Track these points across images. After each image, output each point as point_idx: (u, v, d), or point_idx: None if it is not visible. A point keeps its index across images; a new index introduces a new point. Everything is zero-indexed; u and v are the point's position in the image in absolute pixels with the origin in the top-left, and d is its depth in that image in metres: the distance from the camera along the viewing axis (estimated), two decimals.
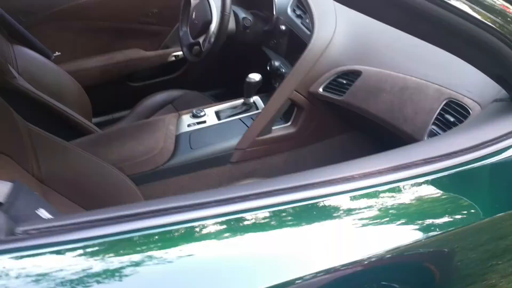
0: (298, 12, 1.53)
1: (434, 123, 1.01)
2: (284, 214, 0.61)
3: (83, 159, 1.14)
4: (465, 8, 0.69)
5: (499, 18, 0.72)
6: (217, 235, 0.57)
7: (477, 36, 0.71)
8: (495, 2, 0.76)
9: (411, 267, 0.67)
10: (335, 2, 1.43)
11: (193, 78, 2.16)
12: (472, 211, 0.70)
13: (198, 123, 1.50)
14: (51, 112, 1.45)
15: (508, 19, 0.74)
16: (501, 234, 0.74)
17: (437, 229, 0.65)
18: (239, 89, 1.67)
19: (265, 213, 0.60)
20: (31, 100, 1.39)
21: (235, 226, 0.59)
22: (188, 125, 1.48)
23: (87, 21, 1.93)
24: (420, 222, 0.66)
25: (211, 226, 0.57)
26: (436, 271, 0.67)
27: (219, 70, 2.12)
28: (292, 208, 0.61)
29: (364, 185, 0.66)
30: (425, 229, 0.65)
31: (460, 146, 0.71)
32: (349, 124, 1.51)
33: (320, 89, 1.34)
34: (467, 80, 1.00)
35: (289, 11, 1.57)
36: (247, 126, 1.46)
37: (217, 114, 1.56)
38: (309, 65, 1.34)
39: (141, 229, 0.53)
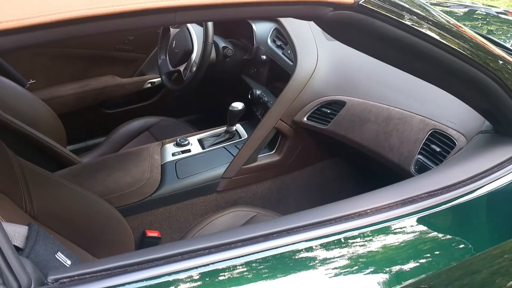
0: (279, 42, 1.58)
1: (420, 153, 1.07)
2: (297, 254, 0.63)
3: (72, 192, 1.12)
4: (453, 45, 0.75)
5: (490, 57, 0.78)
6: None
7: (472, 75, 0.76)
8: (483, 42, 0.82)
9: None
10: (314, 35, 1.50)
11: (169, 104, 2.16)
12: (471, 243, 0.75)
13: (183, 151, 1.50)
14: (31, 142, 1.41)
15: (497, 59, 0.80)
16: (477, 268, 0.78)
17: (439, 264, 0.69)
18: (216, 116, 1.69)
19: (276, 254, 0.62)
20: (9, 130, 1.34)
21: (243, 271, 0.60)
22: (173, 154, 1.48)
23: (62, 48, 1.90)
24: (425, 257, 0.69)
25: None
26: None
27: (197, 97, 2.13)
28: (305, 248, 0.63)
29: (377, 220, 0.69)
30: (430, 265, 0.69)
31: (458, 178, 0.76)
32: (331, 151, 1.56)
33: (305, 118, 1.39)
34: (449, 112, 1.07)
35: (269, 41, 1.61)
36: (232, 154, 1.48)
37: (201, 142, 1.57)
38: (294, 95, 1.38)
39: (180, 271, 0.54)
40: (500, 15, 2.01)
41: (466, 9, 2.11)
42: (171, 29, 1.78)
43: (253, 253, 0.60)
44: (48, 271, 0.53)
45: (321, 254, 0.64)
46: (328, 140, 1.41)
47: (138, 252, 0.59)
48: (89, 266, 0.54)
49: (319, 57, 1.41)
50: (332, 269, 0.63)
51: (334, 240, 0.65)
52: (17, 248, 0.57)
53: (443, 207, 0.72)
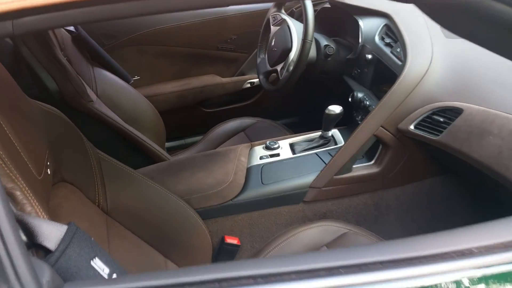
0: (388, 40, 1.39)
1: None
2: None
3: (150, 190, 1.09)
4: None
5: None
6: None
7: None
8: None
9: None
10: (431, 31, 1.29)
11: (267, 106, 2.09)
12: None
13: (271, 155, 1.40)
14: (125, 137, 1.44)
15: None
16: None
17: None
18: (315, 119, 1.56)
19: None
20: (105, 124, 1.38)
21: None
22: (261, 158, 1.39)
23: (167, 46, 1.94)
24: None
25: None
26: None
27: (295, 99, 2.02)
28: None
29: (486, 263, 0.51)
30: None
31: None
32: (442, 167, 1.33)
33: (412, 126, 1.19)
34: None
35: (376, 39, 1.44)
36: (324, 162, 1.34)
37: (292, 146, 1.45)
38: (399, 99, 1.19)
39: None
40: None
41: None
42: (271, 26, 1.70)
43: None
44: (67, 281, 0.46)
45: None
46: (439, 153, 1.19)
47: (186, 270, 0.50)
48: (115, 282, 0.46)
49: (434, 57, 1.20)
50: None
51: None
52: (46, 251, 0.52)
53: None
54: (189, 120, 2.05)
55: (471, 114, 1.06)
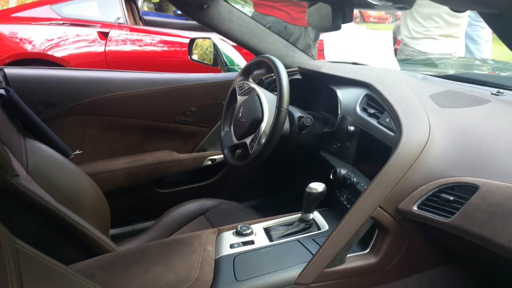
0: (371, 110, 1.26)
1: None
2: None
3: None
4: None
5: None
6: None
7: None
8: None
9: None
10: (421, 100, 1.17)
11: (230, 186, 1.86)
12: None
13: (244, 243, 1.15)
14: (59, 223, 1.13)
15: None
16: None
17: None
18: (286, 201, 1.35)
19: None
20: (32, 206, 1.08)
21: None
22: (231, 246, 1.13)
23: (116, 117, 1.71)
24: None
25: None
26: None
27: (262, 178, 1.82)
28: None
29: None
30: None
31: None
32: (448, 255, 1.13)
33: (415, 207, 1.00)
34: None
35: (358, 110, 1.30)
36: (309, 251, 1.10)
37: (267, 232, 1.22)
38: (399, 175, 1.02)
39: None
40: None
41: None
42: (238, 96, 1.54)
43: None
44: None
45: None
46: (447, 239, 1.01)
47: None
48: None
49: (432, 126, 1.06)
50: None
51: None
52: None
53: None
54: (139, 202, 1.77)
55: (490, 191, 0.90)
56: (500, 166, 0.93)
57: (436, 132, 1.05)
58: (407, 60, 2.54)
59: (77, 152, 1.62)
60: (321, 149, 1.46)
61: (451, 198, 0.96)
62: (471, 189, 0.93)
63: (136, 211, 1.79)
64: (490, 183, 0.91)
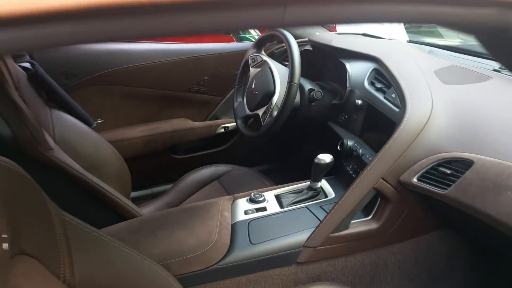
0: (379, 85, 1.32)
1: None
2: None
3: (124, 257, 0.90)
4: None
5: None
6: None
7: None
8: None
9: None
10: (426, 76, 1.23)
11: (242, 152, 1.95)
12: None
13: (257, 209, 1.26)
14: (88, 190, 1.25)
15: None
16: None
17: None
18: (293, 167, 1.44)
19: None
20: (66, 175, 1.18)
21: None
22: (246, 212, 1.24)
23: (133, 87, 1.79)
24: None
25: None
26: None
27: (273, 146, 1.91)
28: None
29: None
30: None
31: None
32: (443, 222, 1.23)
33: (415, 179, 1.09)
34: None
35: (366, 84, 1.36)
36: (316, 217, 1.21)
37: (278, 199, 1.32)
38: (401, 149, 1.10)
39: None
40: None
41: None
42: (251, 68, 1.60)
43: None
44: None
45: None
46: (443, 208, 1.10)
47: None
48: None
49: (435, 103, 1.13)
50: None
51: None
52: None
53: None
54: (157, 167, 1.88)
55: (484, 167, 0.98)
56: (495, 143, 1.01)
57: (438, 109, 1.12)
58: (415, 30, 2.54)
59: (99, 121, 1.71)
60: (330, 120, 1.53)
61: (448, 172, 1.04)
62: (467, 164, 1.01)
63: (155, 175, 1.90)
64: (484, 159, 0.99)
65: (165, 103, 1.86)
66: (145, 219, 1.23)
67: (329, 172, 1.31)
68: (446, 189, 1.03)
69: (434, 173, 1.08)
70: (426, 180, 1.08)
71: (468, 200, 0.98)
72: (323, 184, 1.38)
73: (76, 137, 1.45)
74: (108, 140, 1.58)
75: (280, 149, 1.94)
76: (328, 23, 0.41)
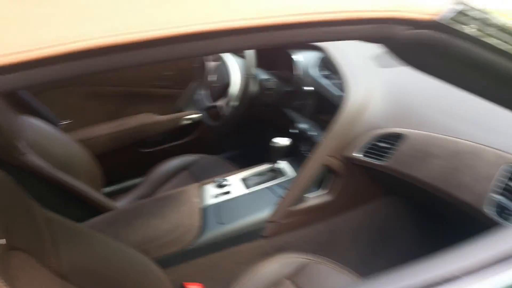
0: (325, 72, 1.46)
1: (497, 192, 0.91)
2: None
3: (105, 245, 1.01)
4: None
5: None
6: None
7: None
8: None
9: None
10: (364, 61, 1.38)
11: (208, 141, 2.07)
12: None
13: (224, 193, 1.38)
14: (62, 189, 1.34)
15: None
16: None
17: None
18: (258, 152, 1.57)
19: None
20: (41, 178, 1.27)
21: None
22: (213, 196, 1.37)
23: (97, 86, 1.86)
24: None
25: None
26: None
27: (236, 132, 2.03)
28: None
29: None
30: None
31: None
32: (388, 189, 1.40)
33: (358, 154, 1.24)
34: None
35: (314, 71, 1.50)
36: (279, 195, 1.35)
37: (243, 182, 1.45)
38: (344, 128, 1.25)
39: None
40: None
41: None
42: (209, 62, 1.71)
43: None
44: None
45: None
46: (385, 177, 1.26)
47: None
48: None
49: (371, 86, 1.28)
50: None
51: None
52: None
53: None
54: (127, 162, 1.96)
55: (414, 139, 1.14)
56: (422, 118, 1.17)
57: (374, 91, 1.27)
58: None
59: (67, 121, 1.77)
60: (285, 106, 1.66)
61: (385, 146, 1.20)
62: (400, 137, 1.17)
63: (126, 170, 1.98)
64: (414, 133, 1.15)
65: (129, 100, 1.94)
66: (120, 212, 1.34)
67: (288, 154, 1.45)
68: (384, 160, 1.19)
69: (374, 148, 1.23)
70: (368, 154, 1.24)
71: (403, 168, 1.15)
72: (283, 165, 1.52)
73: (46, 140, 1.53)
74: (77, 139, 1.66)
75: (244, 135, 2.06)
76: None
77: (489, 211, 0.92)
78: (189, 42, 0.45)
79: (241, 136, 2.07)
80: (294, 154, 1.57)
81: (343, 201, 1.36)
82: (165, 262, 1.17)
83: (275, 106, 1.67)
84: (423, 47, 0.58)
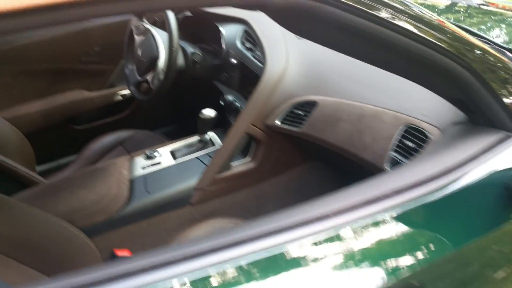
0: (248, 45, 1.52)
1: (394, 150, 1.01)
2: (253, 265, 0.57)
3: (29, 215, 1.03)
4: (428, 36, 0.70)
5: (467, 47, 0.73)
6: None
7: (439, 63, 0.71)
8: (459, 31, 0.77)
9: None
10: (284, 33, 1.44)
11: (143, 116, 2.08)
12: (444, 242, 0.69)
13: (153, 164, 1.42)
14: None
15: (475, 50, 0.75)
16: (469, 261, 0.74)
17: (411, 266, 0.64)
18: (192, 125, 1.62)
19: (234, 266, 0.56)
20: None
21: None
22: (143, 168, 1.41)
23: (25, 64, 1.82)
24: (393, 260, 0.64)
25: None
26: None
27: (170, 107, 2.06)
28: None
29: (339, 223, 0.63)
30: (397, 268, 0.63)
31: (428, 174, 0.70)
32: (309, 155, 1.49)
33: (277, 121, 1.32)
34: (422, 105, 1.02)
35: (238, 44, 1.55)
36: (205, 165, 1.41)
37: (172, 153, 1.49)
38: (264, 98, 1.32)
39: None
40: (481, 6, 1.99)
41: (449, 2, 2.10)
42: (136, 36, 1.71)
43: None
44: None
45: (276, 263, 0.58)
46: (304, 143, 1.35)
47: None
48: None
49: (289, 57, 1.35)
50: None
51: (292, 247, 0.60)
52: None
53: (413, 205, 0.66)
54: (60, 139, 1.95)
55: (325, 105, 1.23)
56: (334, 85, 1.26)
57: (291, 61, 1.34)
58: None
59: None
60: (215, 79, 1.71)
61: (301, 113, 1.29)
62: (313, 104, 1.26)
63: (59, 148, 1.97)
64: (325, 99, 1.24)
65: (59, 77, 1.91)
66: (48, 185, 1.35)
67: (217, 125, 1.50)
68: (300, 127, 1.28)
69: (292, 116, 1.31)
70: (286, 122, 1.32)
71: (316, 133, 1.24)
72: (212, 136, 1.57)
73: None
74: (6, 118, 1.63)
75: (177, 110, 2.09)
76: None
77: (388, 168, 1.03)
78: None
79: (175, 111, 2.10)
80: (223, 125, 1.63)
81: (267, 168, 1.44)
82: (93, 231, 1.20)
83: (205, 79, 1.71)
84: (297, 14, 0.64)
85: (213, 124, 1.46)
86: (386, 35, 0.67)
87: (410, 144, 0.98)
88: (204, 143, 1.52)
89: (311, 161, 1.53)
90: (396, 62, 0.74)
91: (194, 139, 1.55)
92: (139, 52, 1.67)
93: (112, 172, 1.35)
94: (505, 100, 0.78)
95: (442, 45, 0.69)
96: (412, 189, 0.68)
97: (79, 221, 1.19)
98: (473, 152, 0.74)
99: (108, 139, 1.83)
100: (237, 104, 1.52)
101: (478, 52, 0.77)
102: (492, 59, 0.79)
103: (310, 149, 1.43)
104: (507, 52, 1.20)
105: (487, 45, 0.86)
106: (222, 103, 1.59)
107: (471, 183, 0.71)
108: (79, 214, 1.21)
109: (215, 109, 1.42)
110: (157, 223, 1.32)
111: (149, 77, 1.63)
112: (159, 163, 1.43)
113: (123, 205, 1.26)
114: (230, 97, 1.56)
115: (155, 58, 1.57)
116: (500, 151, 0.76)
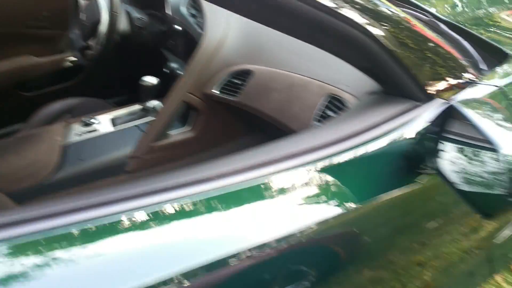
0: (193, 11, 1.48)
1: (317, 120, 1.00)
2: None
3: None
4: (327, 2, 0.69)
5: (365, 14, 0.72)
6: None
7: (340, 30, 0.70)
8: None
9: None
10: None
11: (94, 84, 2.03)
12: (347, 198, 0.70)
13: (90, 131, 1.39)
14: None
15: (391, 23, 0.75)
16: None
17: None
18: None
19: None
20: None
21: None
22: (79, 135, 1.37)
23: None
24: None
25: None
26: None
27: (120, 75, 2.01)
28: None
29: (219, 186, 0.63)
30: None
31: (332, 137, 0.70)
32: (249, 126, 1.47)
33: (214, 90, 1.30)
34: (346, 75, 1.01)
35: (183, 10, 1.51)
36: (143, 132, 1.38)
37: (113, 121, 1.46)
38: (201, 65, 1.29)
39: None
40: None
41: None
42: (81, 0, 1.65)
43: None
44: None
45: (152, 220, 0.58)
46: (242, 113, 1.33)
47: None
48: None
49: (230, 24, 1.32)
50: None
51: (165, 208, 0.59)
52: None
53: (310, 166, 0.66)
54: (7, 107, 1.89)
55: (260, 75, 1.21)
56: (270, 55, 1.24)
57: (231, 29, 1.31)
58: None
59: None
60: (162, 47, 1.67)
61: (239, 82, 1.26)
62: (250, 73, 1.24)
63: (5, 115, 1.91)
64: (261, 69, 1.22)
65: (4, 42, 1.84)
66: None
67: (161, 93, 1.47)
68: (237, 96, 1.25)
69: (230, 84, 1.29)
70: (223, 91, 1.29)
71: (250, 103, 1.22)
72: (157, 104, 1.54)
73: None
74: None
75: (129, 79, 2.04)
76: None
77: None
78: None
79: (125, 80, 2.05)
80: (166, 94, 1.60)
81: (207, 138, 1.42)
82: (21, 197, 1.17)
83: (152, 46, 1.67)
84: None
85: (155, 92, 1.43)
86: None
87: (330, 113, 0.97)
88: (147, 112, 1.49)
89: (256, 133, 1.51)
90: (296, 28, 0.73)
91: (136, 107, 1.52)
92: (83, 16, 1.61)
93: (45, 139, 1.32)
94: (419, 72, 0.77)
95: (341, 11, 0.67)
96: (304, 154, 0.67)
97: (6, 186, 1.16)
98: (376, 120, 0.74)
99: (57, 106, 1.78)
100: (180, 72, 1.49)
101: (405, 30, 0.76)
102: (417, 37, 0.79)
103: (250, 120, 1.41)
104: (461, 40, 1.15)
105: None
106: (167, 71, 1.55)
107: (369, 152, 0.71)
108: (7, 179, 1.18)
109: (161, 77, 1.39)
110: (89, 190, 1.29)
111: (92, 42, 1.58)
112: (96, 130, 1.40)
113: (53, 171, 1.23)
114: (174, 65, 1.53)
115: (97, 22, 1.53)
116: (405, 120, 0.75)
